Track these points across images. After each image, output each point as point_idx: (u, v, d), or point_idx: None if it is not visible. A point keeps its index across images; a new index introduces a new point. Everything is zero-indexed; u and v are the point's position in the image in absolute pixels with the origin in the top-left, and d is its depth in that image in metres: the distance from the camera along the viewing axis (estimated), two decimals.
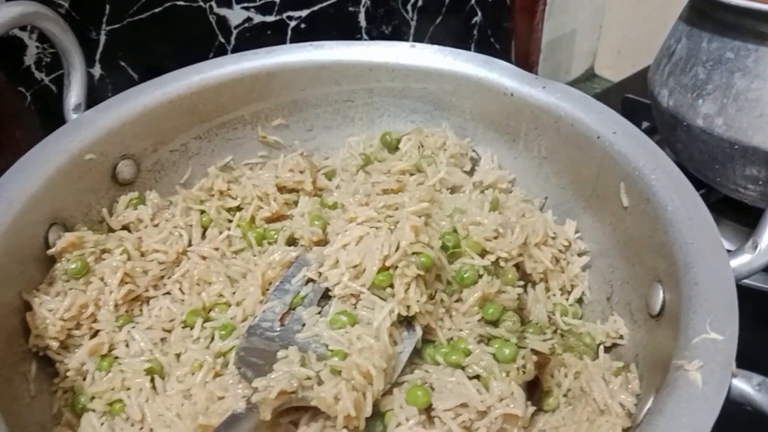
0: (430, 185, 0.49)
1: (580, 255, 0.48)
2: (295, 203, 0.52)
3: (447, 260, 0.43)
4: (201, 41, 0.74)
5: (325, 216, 0.49)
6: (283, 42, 0.80)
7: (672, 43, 0.64)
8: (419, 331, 0.41)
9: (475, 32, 1.00)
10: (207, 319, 0.44)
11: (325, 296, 0.43)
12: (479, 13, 0.98)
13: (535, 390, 0.40)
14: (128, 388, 0.39)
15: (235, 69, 0.53)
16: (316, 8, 0.80)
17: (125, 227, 0.48)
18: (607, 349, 0.42)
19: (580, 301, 0.47)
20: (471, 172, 0.53)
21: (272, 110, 0.56)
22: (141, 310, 0.45)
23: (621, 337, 0.42)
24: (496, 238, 0.44)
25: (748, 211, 0.63)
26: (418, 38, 0.93)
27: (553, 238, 0.46)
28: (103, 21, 0.67)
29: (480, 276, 0.42)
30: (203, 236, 0.49)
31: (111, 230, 0.48)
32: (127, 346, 0.42)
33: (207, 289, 0.46)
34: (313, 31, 0.81)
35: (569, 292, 0.47)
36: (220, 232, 0.49)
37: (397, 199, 0.46)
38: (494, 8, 0.99)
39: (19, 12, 0.45)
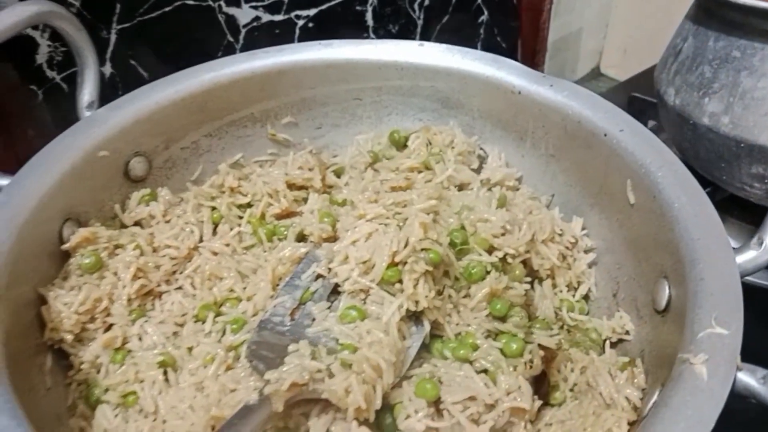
0: (438, 183, 0.50)
1: (586, 252, 0.48)
2: (305, 200, 0.52)
3: (455, 257, 0.43)
4: (210, 40, 0.75)
5: (334, 213, 0.49)
6: (290, 41, 0.80)
7: (678, 42, 0.64)
8: (427, 326, 0.41)
9: (481, 31, 1.01)
10: (218, 314, 0.45)
11: (335, 292, 0.44)
12: (486, 12, 0.99)
13: (541, 384, 0.41)
14: (141, 381, 0.40)
15: (246, 67, 0.53)
16: (323, 7, 0.80)
17: (137, 223, 0.49)
18: (613, 345, 0.43)
19: (586, 297, 0.47)
20: (478, 170, 0.54)
21: (282, 108, 0.57)
22: (153, 305, 0.45)
23: (627, 332, 0.42)
24: (503, 234, 0.45)
25: (754, 209, 0.63)
26: (425, 37, 0.93)
27: (560, 235, 0.47)
28: (113, 20, 0.68)
29: (488, 272, 0.43)
30: (214, 232, 0.50)
31: (123, 226, 0.49)
32: (140, 339, 0.43)
33: (218, 284, 0.47)
34: (321, 30, 0.82)
35: (576, 289, 0.47)
36: (231, 229, 0.50)
37: (405, 196, 0.47)
38: (501, 7, 1.00)
39: (35, 11, 0.46)
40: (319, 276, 0.45)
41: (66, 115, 0.55)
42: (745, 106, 0.56)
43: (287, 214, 0.51)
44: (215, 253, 0.48)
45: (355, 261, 0.42)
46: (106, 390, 0.40)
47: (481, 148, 0.55)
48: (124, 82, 0.71)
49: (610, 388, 0.38)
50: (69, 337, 0.41)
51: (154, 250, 0.47)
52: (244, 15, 0.74)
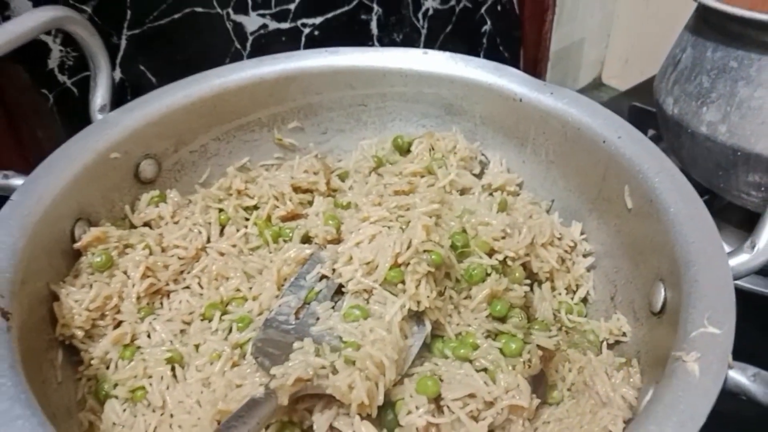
0: (440, 187, 0.51)
1: (585, 256, 0.49)
2: (310, 203, 0.54)
3: (456, 259, 0.44)
4: (218, 47, 0.76)
5: (338, 216, 0.50)
6: (296, 49, 0.82)
7: (677, 53, 0.66)
8: (429, 326, 0.42)
9: (484, 41, 1.02)
10: (225, 312, 0.46)
11: (338, 292, 0.45)
12: (489, 22, 1.00)
13: (540, 384, 0.42)
14: (150, 376, 0.41)
15: (254, 73, 0.55)
16: (329, 16, 0.82)
17: (147, 224, 0.50)
18: (610, 346, 0.44)
19: (584, 300, 0.48)
20: (480, 176, 0.55)
21: (288, 113, 0.58)
22: (162, 303, 0.47)
23: (624, 334, 0.43)
24: (503, 238, 0.46)
25: (752, 217, 0.64)
26: (429, 46, 0.95)
27: (560, 239, 0.48)
28: (124, 26, 0.69)
29: (488, 274, 0.44)
30: (221, 234, 0.51)
31: (133, 226, 0.50)
32: (148, 336, 0.44)
33: (225, 284, 0.48)
34: (326, 38, 0.83)
35: (574, 292, 0.48)
36: (238, 230, 0.51)
37: (408, 200, 0.48)
38: (504, 17, 1.01)
39: (51, 16, 0.48)
40: (323, 277, 0.46)
41: (76, 119, 0.56)
42: (742, 115, 0.57)
43: (293, 217, 0.53)
44: (222, 254, 0.49)
45: (358, 262, 0.43)
46: (115, 385, 0.41)
47: (483, 154, 0.56)
48: (133, 88, 0.73)
49: (607, 387, 0.39)
50: (80, 333, 0.42)
51: (163, 250, 0.48)
52: (251, 23, 0.76)
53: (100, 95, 0.52)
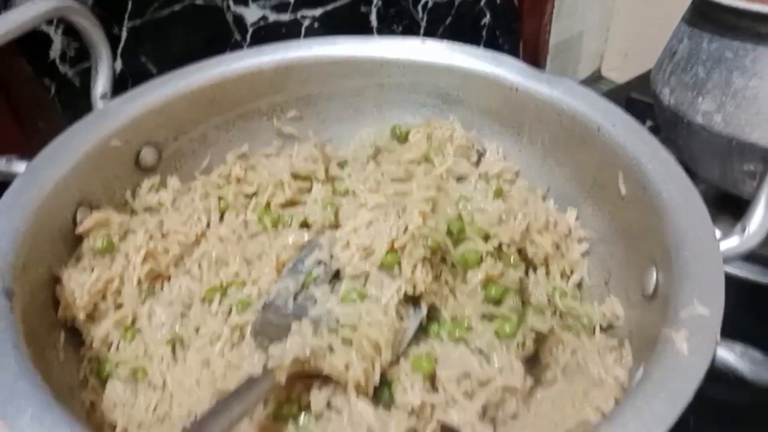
0: (437, 174, 0.52)
1: (580, 242, 0.50)
2: (309, 190, 0.54)
3: (452, 245, 0.45)
4: (218, 38, 0.77)
5: (336, 202, 0.51)
6: None
7: (674, 44, 0.66)
8: (424, 309, 0.43)
9: (483, 33, 1.03)
10: (224, 296, 0.46)
11: (336, 277, 0.46)
12: (488, 15, 1.01)
13: (534, 365, 0.43)
14: (150, 357, 0.42)
15: (254, 62, 0.55)
16: (329, 8, 0.83)
17: (147, 210, 0.51)
18: (603, 330, 0.44)
19: (579, 285, 0.49)
20: (477, 164, 0.56)
21: (288, 103, 0.59)
22: (162, 287, 0.47)
23: (617, 317, 0.44)
24: (499, 224, 0.47)
25: (747, 206, 0.65)
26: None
27: (555, 226, 0.49)
28: (125, 17, 0.70)
29: (483, 259, 0.45)
30: (221, 220, 0.52)
31: (134, 213, 0.51)
32: (149, 318, 0.44)
33: (224, 269, 0.48)
34: (326, 30, 0.84)
35: (569, 277, 0.49)
36: (237, 216, 0.52)
37: (405, 187, 0.49)
38: (503, 10, 1.02)
39: (53, 5, 0.48)
40: (321, 262, 0.47)
41: (77, 109, 0.56)
42: (737, 104, 0.58)
43: (291, 204, 0.53)
44: (222, 240, 0.50)
45: (356, 247, 0.44)
46: (117, 365, 0.42)
47: (480, 143, 0.57)
48: (134, 78, 0.73)
49: (599, 368, 0.39)
50: (81, 315, 0.43)
51: (163, 236, 0.49)
52: (251, 14, 0.76)
53: (101, 84, 0.53)
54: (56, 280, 0.43)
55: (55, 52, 0.72)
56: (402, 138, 0.57)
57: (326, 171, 0.55)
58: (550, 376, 0.42)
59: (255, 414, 0.37)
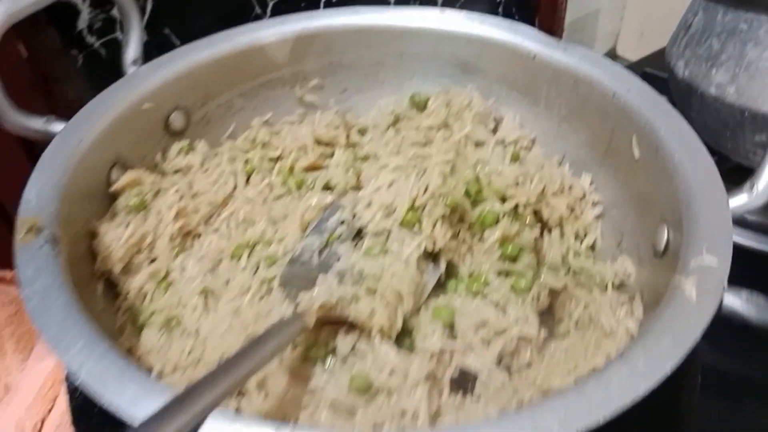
0: (455, 140, 0.53)
1: (593, 205, 0.51)
2: (330, 156, 0.56)
3: (470, 205, 0.47)
4: (239, 12, 0.78)
5: (358, 167, 0.53)
6: None
7: (689, 17, 0.67)
8: (443, 265, 0.45)
9: (499, 10, 1.03)
10: (252, 253, 0.49)
11: (358, 236, 0.48)
12: None
13: (547, 320, 0.44)
14: (184, 306, 0.44)
15: (277, 31, 0.57)
16: None
17: (177, 172, 0.53)
18: (615, 287, 0.46)
19: (592, 247, 0.51)
20: (494, 131, 0.57)
21: (310, 72, 0.61)
22: (192, 245, 0.49)
23: (628, 276, 0.46)
24: (515, 186, 0.48)
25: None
26: None
27: (570, 189, 0.50)
28: None
29: (500, 219, 0.47)
30: (247, 182, 0.54)
31: (164, 175, 0.53)
32: (181, 272, 0.47)
33: (251, 228, 0.50)
34: (345, 2, 0.85)
35: (582, 239, 0.50)
36: (263, 180, 0.54)
37: (425, 150, 0.50)
38: None
39: None
40: (343, 222, 0.49)
41: (104, 80, 0.58)
42: (751, 76, 0.59)
43: (314, 168, 0.55)
44: (248, 201, 0.52)
45: (378, 205, 0.46)
46: (151, 314, 0.44)
47: (497, 111, 0.58)
48: (158, 50, 0.75)
49: (611, 320, 0.41)
50: (118, 267, 0.45)
51: (193, 196, 0.51)
52: None
53: (132, 50, 0.55)
54: (93, 235, 0.46)
55: (82, 23, 0.74)
56: (421, 106, 0.59)
57: (347, 138, 0.57)
58: (563, 329, 0.44)
59: (285, 356, 0.39)
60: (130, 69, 0.55)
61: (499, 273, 0.45)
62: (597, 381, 0.30)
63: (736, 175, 0.70)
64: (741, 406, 0.48)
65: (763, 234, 0.63)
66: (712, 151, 0.66)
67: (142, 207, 0.48)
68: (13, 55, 0.64)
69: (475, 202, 0.48)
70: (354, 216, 0.47)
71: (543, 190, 0.49)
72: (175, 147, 0.54)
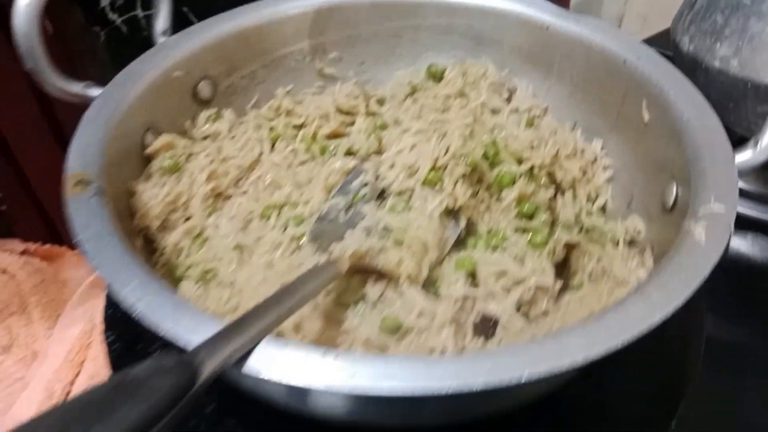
0: (473, 107, 0.56)
1: (604, 169, 0.54)
2: (351, 124, 0.58)
3: (488, 167, 0.49)
4: None
5: (378, 134, 0.55)
6: None
7: None
8: (463, 222, 0.48)
9: None
10: (280, 214, 0.51)
11: (381, 197, 0.50)
12: None
13: (562, 273, 0.47)
14: (219, 260, 0.47)
15: (299, 4, 0.59)
16: None
17: (205, 139, 0.56)
18: (626, 243, 0.49)
19: (603, 209, 0.53)
20: (508, 101, 0.60)
21: (329, 44, 0.63)
22: (223, 206, 0.52)
23: (639, 232, 0.48)
24: (531, 149, 0.51)
25: None
26: None
27: (582, 152, 0.53)
28: None
29: (516, 180, 0.49)
30: (272, 149, 0.56)
31: (193, 141, 0.55)
32: (215, 230, 0.49)
33: (278, 191, 0.53)
34: None
35: (594, 201, 0.53)
36: (287, 146, 0.56)
37: (444, 116, 0.53)
38: None
39: None
40: (366, 184, 0.51)
41: (124, 56, 0.60)
42: (753, 48, 0.61)
43: (336, 135, 0.57)
44: (274, 166, 0.55)
45: (401, 166, 0.48)
46: (188, 268, 0.47)
47: (511, 82, 0.61)
48: (176, 29, 0.77)
49: (623, 270, 0.44)
50: (155, 224, 0.48)
51: (222, 160, 0.53)
52: None
53: (161, 20, 0.57)
54: (131, 194, 0.48)
55: (105, 0, 0.76)
56: (437, 77, 0.61)
57: (367, 107, 0.59)
58: (578, 281, 0.46)
59: (319, 302, 0.41)
60: (159, 39, 0.57)
61: (516, 230, 0.47)
62: (615, 312, 0.32)
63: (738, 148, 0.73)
64: (744, 378, 0.52)
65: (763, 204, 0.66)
66: None
67: (176, 169, 0.50)
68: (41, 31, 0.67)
69: (492, 164, 0.50)
70: (377, 178, 0.50)
71: (557, 153, 0.51)
72: (204, 114, 0.56)
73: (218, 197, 0.52)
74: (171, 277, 0.47)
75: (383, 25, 0.62)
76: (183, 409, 0.26)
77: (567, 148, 0.52)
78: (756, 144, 0.42)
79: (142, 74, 0.51)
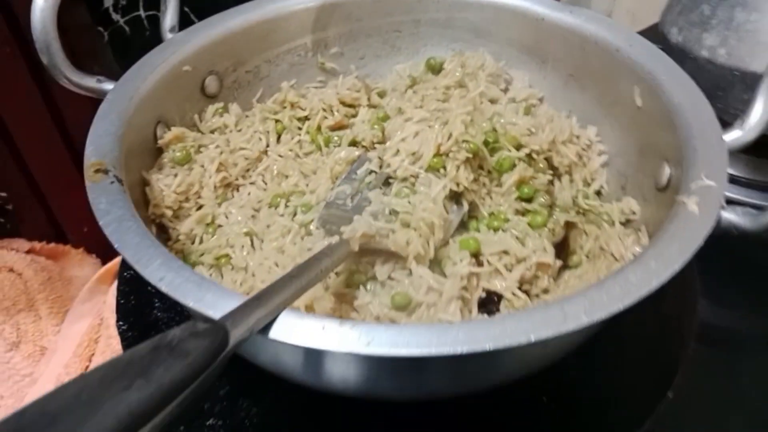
0: (472, 96, 0.58)
1: (599, 155, 0.56)
2: (354, 117, 0.60)
3: (488, 153, 0.51)
4: None
5: (381, 125, 0.57)
6: None
7: None
8: (466, 206, 0.49)
9: None
10: (288, 202, 0.53)
11: (386, 184, 0.52)
12: None
13: (562, 251, 0.49)
14: (232, 246, 0.48)
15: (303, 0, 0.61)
16: None
17: (213, 132, 0.57)
18: (622, 224, 0.51)
19: (598, 193, 0.55)
20: (505, 92, 0.62)
21: (331, 39, 0.65)
22: (233, 195, 0.54)
23: (633, 213, 0.50)
24: (529, 135, 0.53)
25: None
26: None
27: (578, 138, 0.55)
28: None
29: (516, 164, 0.51)
30: (278, 141, 0.58)
31: (202, 134, 0.57)
32: (227, 217, 0.51)
33: (285, 181, 0.55)
34: None
35: (589, 185, 0.55)
36: (293, 138, 0.58)
37: (445, 105, 0.55)
38: None
39: None
40: (371, 172, 0.53)
41: (128, 55, 0.62)
42: (739, 38, 0.64)
43: (340, 127, 0.59)
44: (281, 157, 0.56)
45: (405, 153, 0.50)
46: (202, 254, 0.49)
47: (507, 73, 0.63)
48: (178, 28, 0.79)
49: (620, 248, 0.46)
50: (168, 212, 0.49)
51: (231, 152, 0.55)
52: None
53: (169, 17, 0.59)
54: (144, 183, 0.50)
55: (108, 1, 0.78)
56: (436, 69, 0.63)
57: (369, 99, 0.61)
58: (576, 260, 0.49)
59: (330, 282, 0.43)
60: (167, 35, 0.58)
61: (517, 212, 0.49)
62: (615, 279, 0.34)
63: None
64: (738, 359, 0.54)
65: (749, 188, 0.69)
66: None
67: (187, 160, 0.52)
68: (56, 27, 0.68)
69: (492, 150, 0.52)
70: (381, 165, 0.52)
71: (554, 139, 0.53)
72: (211, 109, 0.58)
73: (228, 187, 0.54)
74: (185, 263, 0.48)
75: (384, 20, 0.64)
76: (214, 371, 0.28)
77: (563, 135, 0.54)
78: (743, 123, 0.44)
79: (153, 68, 0.53)
